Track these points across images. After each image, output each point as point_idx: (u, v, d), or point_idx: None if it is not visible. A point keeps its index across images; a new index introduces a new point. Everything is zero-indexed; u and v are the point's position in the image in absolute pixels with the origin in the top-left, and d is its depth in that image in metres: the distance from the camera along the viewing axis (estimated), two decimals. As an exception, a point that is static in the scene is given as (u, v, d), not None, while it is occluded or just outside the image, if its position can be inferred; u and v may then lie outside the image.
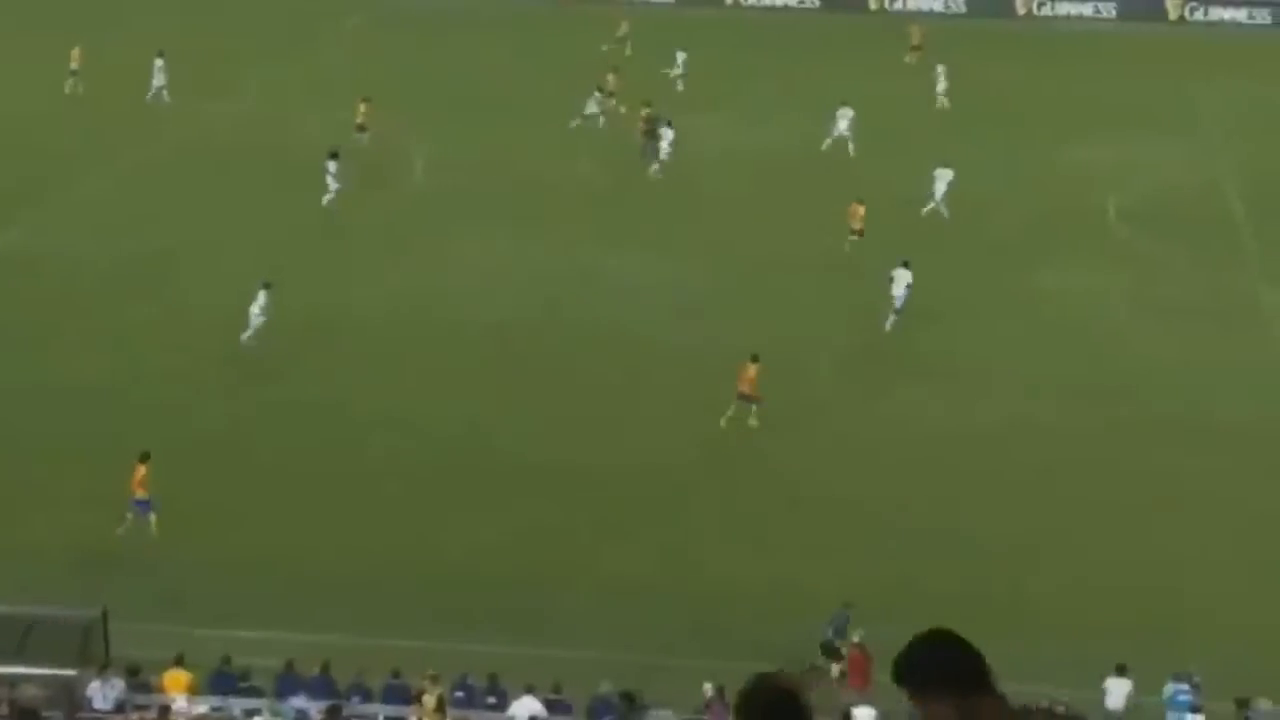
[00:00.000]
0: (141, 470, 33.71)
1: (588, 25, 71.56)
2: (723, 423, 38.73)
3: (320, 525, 34.63)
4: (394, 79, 62.18)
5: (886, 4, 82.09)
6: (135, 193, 52.63)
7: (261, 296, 41.69)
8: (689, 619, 31.66)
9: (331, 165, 50.64)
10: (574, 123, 58.94)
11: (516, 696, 27.84)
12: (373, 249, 48.49)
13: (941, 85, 63.76)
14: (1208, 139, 61.66)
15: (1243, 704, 26.60)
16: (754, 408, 38.64)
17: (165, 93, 60.51)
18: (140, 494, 33.58)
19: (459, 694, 28.33)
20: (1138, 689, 27.33)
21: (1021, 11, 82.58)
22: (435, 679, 27.69)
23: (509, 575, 33.06)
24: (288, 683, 28.38)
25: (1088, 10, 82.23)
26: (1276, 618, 31.70)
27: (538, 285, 46.36)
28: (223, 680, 28.51)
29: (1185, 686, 26.87)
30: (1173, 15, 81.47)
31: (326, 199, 50.81)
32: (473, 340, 43.01)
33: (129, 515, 33.76)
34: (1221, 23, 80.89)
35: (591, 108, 59.59)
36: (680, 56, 65.04)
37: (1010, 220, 53.32)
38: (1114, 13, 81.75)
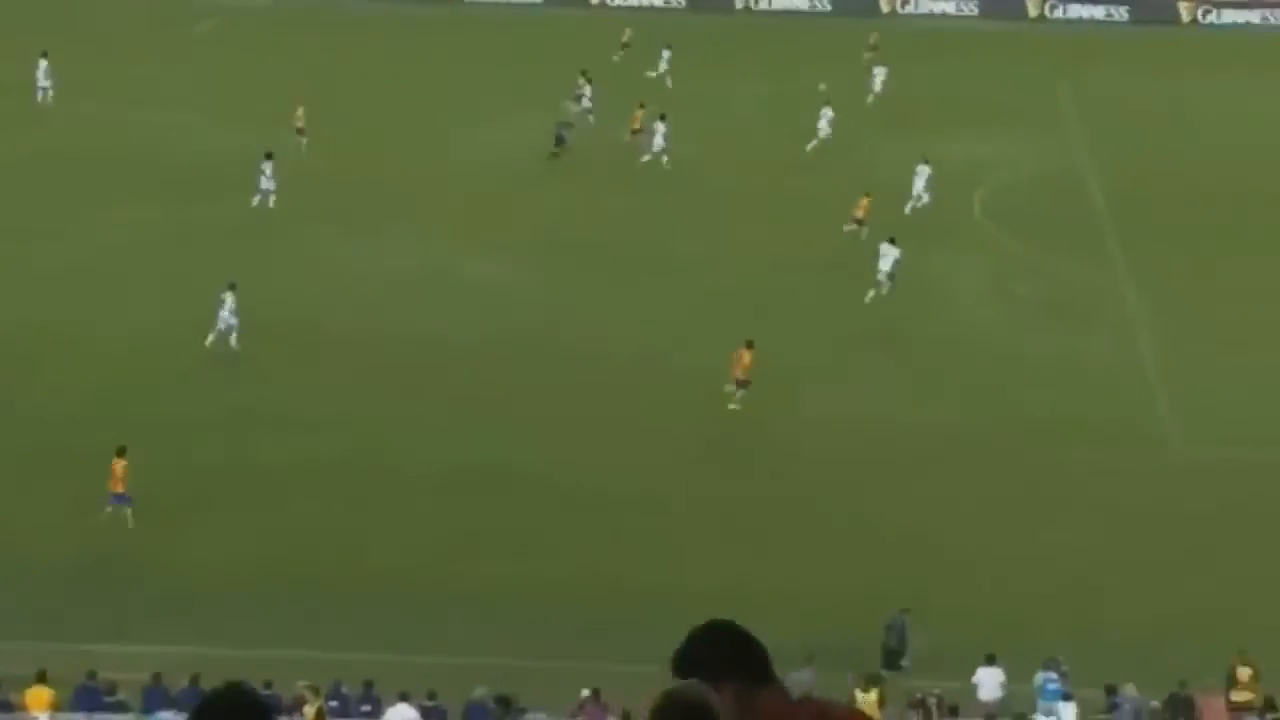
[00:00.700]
0: (120, 465, 33.84)
1: (472, 26, 71.33)
2: (731, 406, 39.58)
3: (186, 536, 34.05)
4: (263, 83, 61.45)
5: (752, 3, 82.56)
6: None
7: (229, 299, 41.39)
8: (575, 622, 31.45)
9: (267, 166, 50.76)
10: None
11: (391, 704, 27.52)
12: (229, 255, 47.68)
13: (878, 84, 65.12)
14: (1069, 134, 62.54)
15: (1111, 691, 26.95)
16: (740, 393, 39.52)
17: (50, 94, 59.57)
18: (119, 489, 33.91)
19: (333, 703, 27.96)
20: (1009, 678, 27.52)
21: (885, 9, 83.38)
22: (315, 690, 27.29)
23: (383, 581, 32.67)
24: (154, 696, 27.88)
25: (950, 8, 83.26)
26: (1144, 610, 32.10)
27: (396, 292, 45.87)
28: (87, 696, 27.93)
29: (1054, 675, 27.16)
30: (1033, 12, 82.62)
31: (256, 200, 50.60)
32: (356, 348, 42.55)
33: (109, 508, 33.97)
34: (1080, 20, 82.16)
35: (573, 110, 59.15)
36: (665, 54, 65.76)
37: (875, 215, 53.77)
38: (976, 10, 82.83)
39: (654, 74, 65.35)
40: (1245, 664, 27.49)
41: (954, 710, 26.30)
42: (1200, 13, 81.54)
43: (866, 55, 69.06)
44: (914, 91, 64.69)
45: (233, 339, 41.57)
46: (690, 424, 39.38)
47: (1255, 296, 46.70)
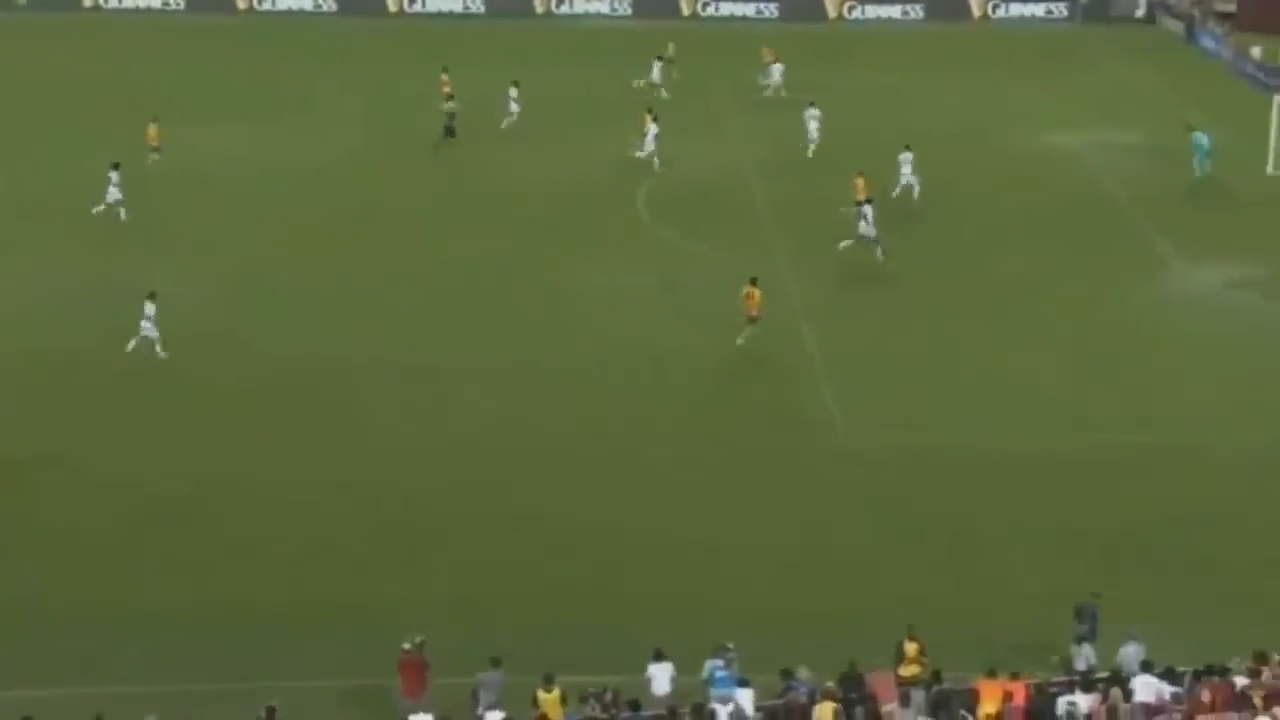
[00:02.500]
0: None
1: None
2: (739, 341, 42.76)
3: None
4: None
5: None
6: None
7: (148, 307, 41.73)
8: (249, 641, 30.68)
9: (114, 175, 51.24)
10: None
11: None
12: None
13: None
14: (729, 130, 63.66)
15: (787, 674, 27.36)
16: (749, 330, 42.76)
17: None
18: None
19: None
20: (679, 670, 27.77)
21: (541, 10, 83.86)
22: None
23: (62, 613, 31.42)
24: None
25: (750, 10, 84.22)
26: (817, 593, 32.70)
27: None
28: None
29: (721, 662, 27.46)
30: (686, 11, 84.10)
31: (97, 209, 51.03)
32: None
33: None
34: (733, 18, 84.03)
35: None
36: (656, 65, 66.71)
37: (540, 210, 54.03)
38: (629, 10, 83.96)
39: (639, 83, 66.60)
40: (913, 640, 28.24)
41: (635, 705, 26.43)
42: (846, 8, 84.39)
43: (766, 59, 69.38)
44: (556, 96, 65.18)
45: (157, 348, 41.64)
46: (338, 432, 39.02)
47: (908, 283, 48.19)
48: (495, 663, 27.47)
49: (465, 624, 30.77)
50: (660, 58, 67.66)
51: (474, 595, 32.32)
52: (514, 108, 62.72)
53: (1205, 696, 26.44)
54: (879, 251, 49.30)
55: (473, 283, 48.00)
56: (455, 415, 40.09)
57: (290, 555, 33.86)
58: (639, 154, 58.50)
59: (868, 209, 49.74)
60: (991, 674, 26.82)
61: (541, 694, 26.53)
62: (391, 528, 35.04)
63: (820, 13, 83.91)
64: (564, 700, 26.56)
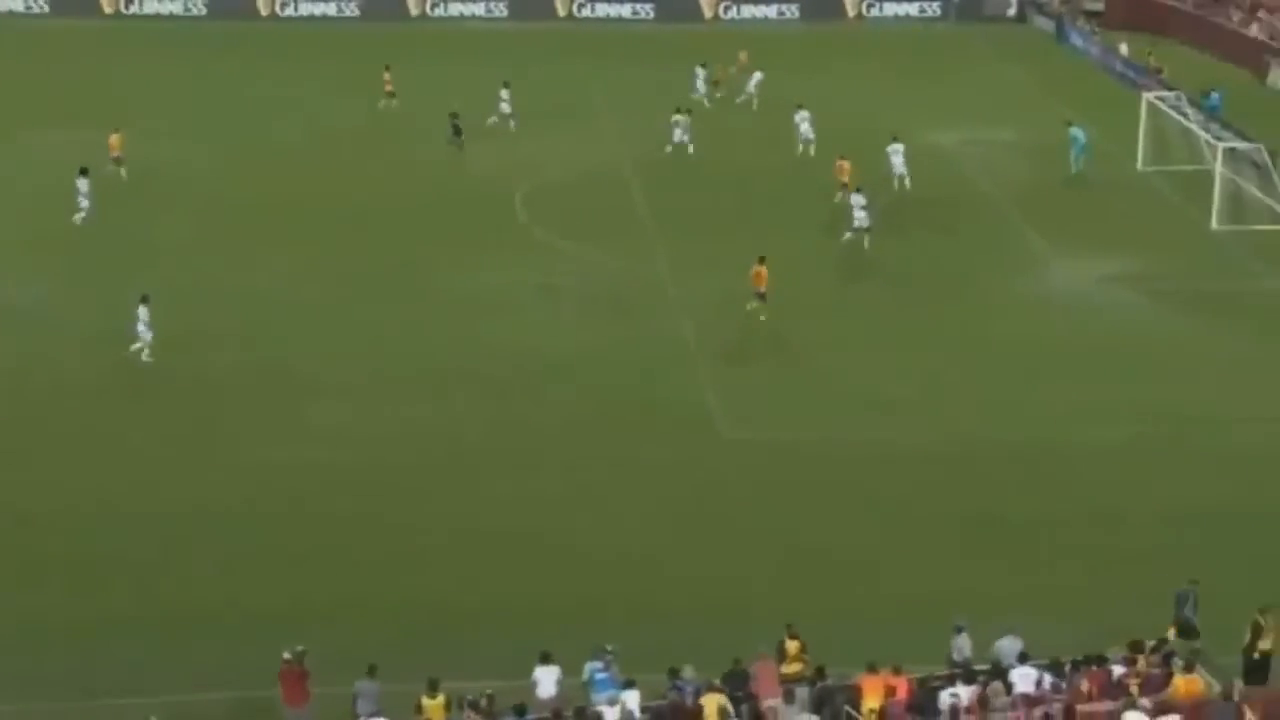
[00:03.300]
0: None
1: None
2: (747, 308, 45.10)
3: None
4: None
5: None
6: None
7: (143, 311, 41.69)
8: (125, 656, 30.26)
9: (82, 184, 51.35)
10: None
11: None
12: None
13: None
14: (605, 129, 63.70)
15: (674, 673, 27.39)
16: (757, 304, 45.05)
17: None
18: None
19: None
20: (566, 673, 27.75)
21: (415, 12, 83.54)
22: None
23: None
24: None
25: (626, 11, 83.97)
26: (699, 591, 32.73)
27: None
28: None
29: (600, 664, 27.44)
30: (562, 12, 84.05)
31: (78, 217, 51.16)
32: None
33: None
34: (608, 19, 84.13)
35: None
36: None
37: (419, 214, 53.79)
38: (506, 12, 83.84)
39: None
40: (793, 638, 28.36)
41: (520, 709, 26.33)
42: (721, 9, 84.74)
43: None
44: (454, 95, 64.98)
45: (144, 353, 41.75)
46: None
47: (788, 281, 48.38)
48: (371, 671, 27.28)
49: (351, 631, 30.54)
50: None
51: (359, 601, 32.03)
52: (505, 108, 62.67)
53: (1084, 686, 26.79)
54: (865, 241, 50.50)
55: (351, 288, 47.64)
56: (319, 423, 39.75)
57: (170, 566, 33.40)
58: (682, 142, 59.87)
59: (858, 197, 50.81)
60: (873, 669, 26.98)
61: (426, 700, 26.42)
62: (275, 535, 34.66)
63: (696, 13, 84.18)
64: (449, 706, 26.45)
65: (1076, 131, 59.02)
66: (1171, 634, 29.25)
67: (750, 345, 44.53)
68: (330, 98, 66.89)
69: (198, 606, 31.87)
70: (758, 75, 67.07)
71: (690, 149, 60.03)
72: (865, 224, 50.69)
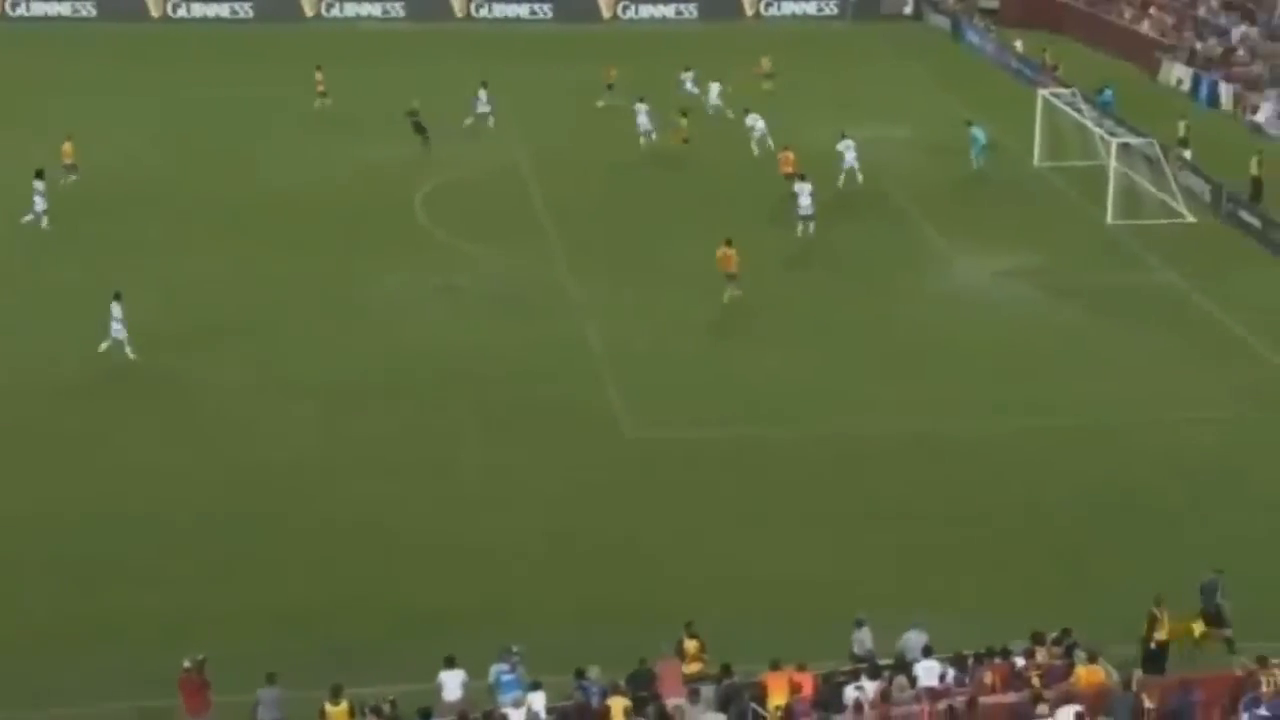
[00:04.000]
0: None
1: None
2: (725, 300, 46.16)
3: None
4: None
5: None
6: None
7: (116, 309, 41.79)
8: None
9: (39, 185, 51.44)
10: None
11: None
12: None
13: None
14: (507, 129, 63.47)
15: (580, 674, 27.32)
16: (733, 286, 46.24)
17: None
18: None
19: None
20: (470, 676, 27.58)
21: (310, 13, 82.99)
22: None
23: None
24: None
25: (377, 11, 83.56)
26: (604, 590, 32.62)
27: None
28: None
29: (506, 666, 27.34)
30: (459, 13, 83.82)
31: (26, 218, 51.22)
32: None
33: None
34: (505, 19, 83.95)
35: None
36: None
37: (320, 217, 53.39)
38: (403, 13, 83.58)
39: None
40: (692, 637, 28.34)
41: (425, 713, 26.17)
42: (620, 8, 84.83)
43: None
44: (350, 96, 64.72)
45: (127, 349, 41.99)
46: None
47: (687, 280, 48.46)
48: (271, 679, 27.03)
49: (251, 637, 30.21)
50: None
51: (260, 608, 31.72)
52: (481, 108, 62.56)
53: (987, 678, 26.96)
54: (810, 228, 51.74)
55: (247, 295, 47.16)
56: (211, 427, 39.39)
57: (64, 574, 32.92)
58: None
59: (803, 185, 51.80)
60: (776, 666, 27.01)
61: (329, 706, 26.22)
62: (173, 540, 34.22)
63: (595, 13, 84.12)
64: (352, 712, 26.26)
65: (977, 131, 59.49)
66: (1199, 627, 29.47)
67: (655, 345, 44.45)
68: (225, 99, 66.25)
69: (95, 615, 31.43)
70: (716, 86, 66.25)
71: (653, 137, 60.76)
72: (809, 212, 51.80)
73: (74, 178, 54.89)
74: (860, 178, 56.63)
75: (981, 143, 59.19)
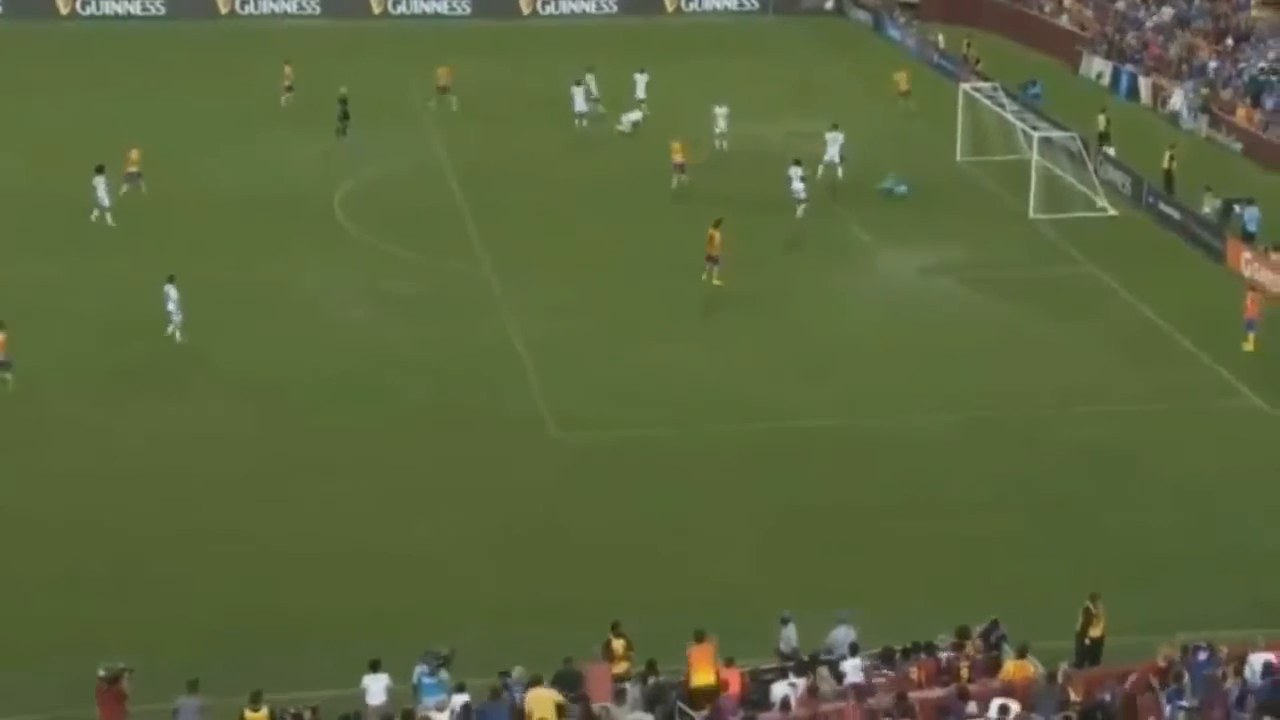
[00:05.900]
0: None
1: None
2: (704, 279, 47.13)
3: None
4: None
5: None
6: None
7: (171, 290, 42.78)
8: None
9: (100, 182, 51.31)
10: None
11: None
12: None
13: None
14: (426, 128, 63.18)
15: (504, 674, 27.08)
16: (714, 269, 47.06)
17: None
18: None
19: None
20: (394, 680, 27.29)
21: (224, 10, 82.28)
22: None
23: None
24: None
25: (443, 7, 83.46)
26: (523, 591, 32.42)
27: None
28: None
29: (427, 669, 27.07)
30: (376, 9, 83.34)
31: (94, 215, 51.31)
32: None
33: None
34: (424, 14, 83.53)
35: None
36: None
37: (238, 216, 52.84)
38: (318, 9, 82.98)
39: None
40: (618, 636, 28.11)
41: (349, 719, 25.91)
42: (539, 3, 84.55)
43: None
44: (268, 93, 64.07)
45: (177, 333, 42.88)
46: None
47: (614, 281, 48.28)
48: (192, 687, 26.52)
49: (170, 646, 29.74)
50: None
51: (178, 616, 31.22)
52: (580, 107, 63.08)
53: (914, 674, 26.90)
54: (802, 210, 52.90)
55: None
56: (127, 432, 38.86)
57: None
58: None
59: (796, 170, 53.35)
60: (700, 638, 26.89)
61: (249, 713, 25.81)
62: (84, 549, 33.68)
63: (514, 8, 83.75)
64: (272, 719, 25.84)
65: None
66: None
67: (577, 343, 44.27)
68: (139, 99, 65.47)
69: (10, 626, 30.81)
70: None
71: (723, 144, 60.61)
72: (803, 196, 52.85)
73: (140, 182, 53.61)
74: (840, 173, 56.37)
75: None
